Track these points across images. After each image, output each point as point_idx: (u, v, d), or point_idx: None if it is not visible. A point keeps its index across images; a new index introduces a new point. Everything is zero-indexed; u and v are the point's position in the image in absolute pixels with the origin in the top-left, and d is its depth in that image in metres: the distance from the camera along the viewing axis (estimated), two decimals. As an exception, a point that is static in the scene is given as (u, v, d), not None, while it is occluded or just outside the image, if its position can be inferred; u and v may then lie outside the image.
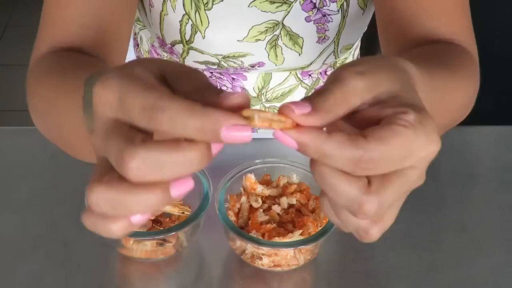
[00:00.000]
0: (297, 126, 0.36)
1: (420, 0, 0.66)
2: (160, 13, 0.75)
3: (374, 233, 0.39)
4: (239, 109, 0.35)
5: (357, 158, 0.36)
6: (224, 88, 0.85)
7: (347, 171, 0.36)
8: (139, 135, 0.34)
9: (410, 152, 0.36)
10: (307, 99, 0.37)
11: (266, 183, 0.74)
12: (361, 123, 0.38)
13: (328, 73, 0.87)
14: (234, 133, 0.34)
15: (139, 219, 0.36)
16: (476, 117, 0.68)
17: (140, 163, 0.33)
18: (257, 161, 0.74)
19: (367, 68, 0.38)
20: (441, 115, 0.58)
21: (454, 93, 0.60)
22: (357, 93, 0.37)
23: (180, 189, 0.35)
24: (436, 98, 0.49)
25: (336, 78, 0.38)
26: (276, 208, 0.71)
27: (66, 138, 0.59)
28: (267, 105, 0.87)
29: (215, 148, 0.36)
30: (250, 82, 0.84)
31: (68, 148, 0.60)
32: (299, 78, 0.85)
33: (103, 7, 0.64)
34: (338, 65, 0.87)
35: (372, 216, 0.38)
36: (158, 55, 0.87)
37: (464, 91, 0.63)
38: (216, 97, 0.35)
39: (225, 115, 0.34)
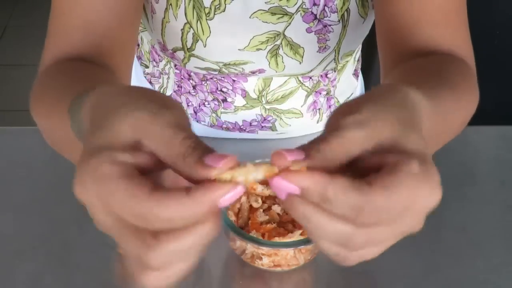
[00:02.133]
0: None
1: (423, 6, 0.65)
2: (162, 20, 0.75)
3: (353, 259, 0.38)
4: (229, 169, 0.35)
5: (360, 206, 0.34)
6: (224, 89, 0.85)
7: (347, 218, 0.35)
8: (148, 232, 0.35)
9: (413, 203, 0.35)
10: (301, 148, 0.36)
11: (266, 183, 0.73)
12: (361, 170, 0.37)
13: (329, 75, 0.87)
14: (228, 198, 0.35)
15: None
16: (476, 117, 0.68)
17: (160, 261, 0.35)
18: (257, 161, 0.73)
19: (368, 116, 0.37)
20: (442, 134, 0.57)
21: (456, 112, 0.59)
22: (356, 143, 0.36)
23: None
24: (439, 121, 0.48)
25: (334, 126, 0.37)
26: (276, 208, 0.71)
27: (68, 151, 0.59)
28: (267, 106, 0.87)
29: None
30: (251, 84, 0.84)
31: (72, 158, 0.60)
32: (299, 81, 0.85)
33: (107, 15, 0.64)
34: (338, 68, 0.87)
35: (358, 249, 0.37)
36: (158, 56, 0.87)
37: (465, 109, 0.63)
38: (201, 167, 0.35)
39: (211, 193, 0.34)
